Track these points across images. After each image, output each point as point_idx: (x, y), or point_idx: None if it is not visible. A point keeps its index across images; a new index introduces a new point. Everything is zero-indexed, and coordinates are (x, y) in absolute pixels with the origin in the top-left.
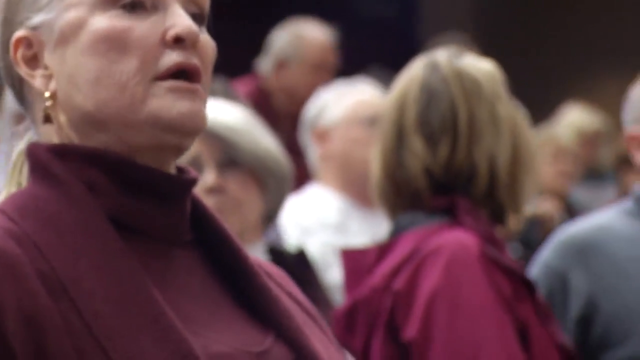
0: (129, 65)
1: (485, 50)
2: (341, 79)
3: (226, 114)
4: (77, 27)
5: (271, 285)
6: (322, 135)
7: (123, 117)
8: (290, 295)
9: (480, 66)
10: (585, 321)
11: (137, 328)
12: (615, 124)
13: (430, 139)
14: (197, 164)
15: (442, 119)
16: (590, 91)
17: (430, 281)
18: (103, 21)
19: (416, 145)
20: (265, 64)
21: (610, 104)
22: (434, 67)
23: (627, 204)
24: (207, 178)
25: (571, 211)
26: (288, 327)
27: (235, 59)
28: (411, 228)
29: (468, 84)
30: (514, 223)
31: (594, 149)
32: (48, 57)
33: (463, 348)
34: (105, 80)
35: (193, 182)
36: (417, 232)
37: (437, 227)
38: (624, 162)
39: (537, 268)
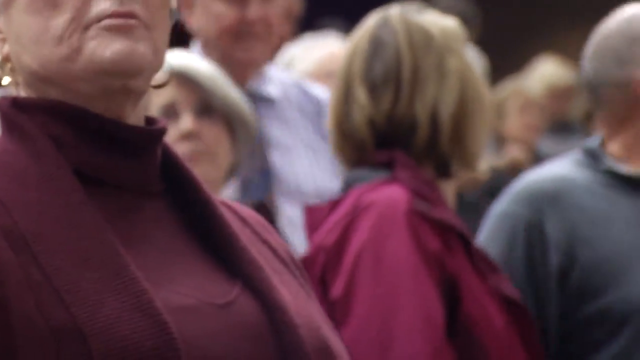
0: (62, 19)
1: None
2: (308, 30)
3: (200, 62)
4: None
5: (245, 232)
6: None
7: (65, 70)
8: (265, 242)
9: (435, 21)
10: (564, 272)
11: (98, 281)
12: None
13: (374, 90)
14: (172, 110)
15: (385, 69)
16: (561, 44)
17: (357, 238)
18: None
19: (360, 96)
20: None
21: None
22: (385, 20)
23: (577, 155)
24: (183, 123)
25: (539, 162)
26: (255, 278)
27: None
28: (357, 184)
29: (417, 36)
30: (482, 173)
31: (565, 102)
32: (0, 21)
33: (382, 305)
34: (43, 36)
35: (161, 132)
36: (360, 188)
37: (375, 183)
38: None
39: (501, 219)
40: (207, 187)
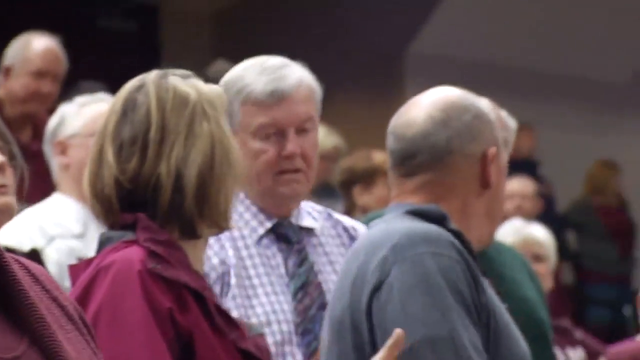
0: None
1: (225, 56)
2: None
3: None
4: None
5: (35, 289)
6: (62, 147)
7: None
8: (55, 299)
9: (196, 86)
10: None
11: None
12: (349, 141)
13: (121, 150)
14: None
15: (134, 130)
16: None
17: (96, 297)
18: None
19: (109, 156)
20: None
21: (343, 123)
22: (141, 83)
23: (400, 214)
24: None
25: None
26: (42, 334)
27: None
28: (108, 244)
29: (169, 99)
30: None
31: (331, 164)
32: None
33: None
34: None
35: None
36: (107, 249)
37: (119, 244)
38: (358, 180)
39: None
40: None
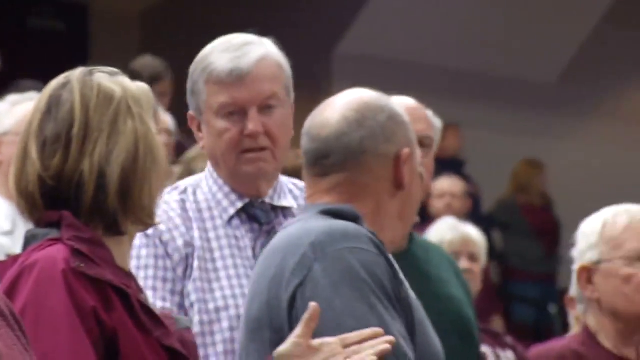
0: None
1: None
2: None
3: None
4: None
5: None
6: None
7: None
8: None
9: (122, 83)
10: None
11: None
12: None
13: (45, 147)
14: None
15: (57, 127)
16: None
17: (21, 296)
18: None
19: (33, 153)
20: None
21: None
22: (66, 80)
23: (314, 214)
24: None
25: None
26: None
27: None
28: (33, 242)
29: (93, 96)
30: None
31: None
32: None
33: None
34: None
35: None
36: (31, 247)
37: (43, 242)
38: None
39: None
40: None
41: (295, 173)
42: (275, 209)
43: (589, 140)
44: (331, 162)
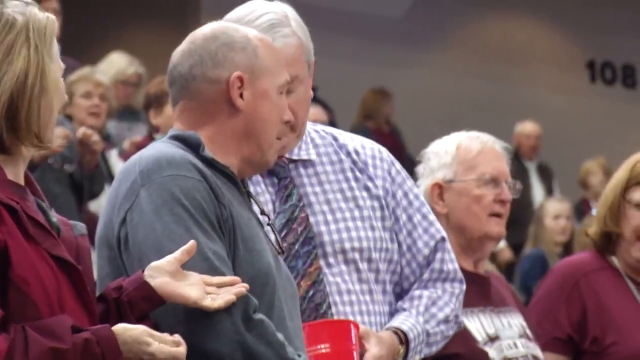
0: None
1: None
2: None
3: None
4: None
5: None
6: None
7: None
8: None
9: (29, 12)
10: None
11: None
12: (148, 69)
13: None
14: None
15: None
16: (130, 40)
17: None
18: None
19: None
20: None
21: (145, 52)
22: None
23: (165, 139)
24: None
25: (108, 143)
26: None
27: None
28: None
29: None
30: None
31: (134, 89)
32: None
33: None
34: None
35: None
36: None
37: None
38: (152, 104)
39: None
40: None
41: (156, 98)
42: (294, 161)
43: (433, 70)
44: (174, 91)
